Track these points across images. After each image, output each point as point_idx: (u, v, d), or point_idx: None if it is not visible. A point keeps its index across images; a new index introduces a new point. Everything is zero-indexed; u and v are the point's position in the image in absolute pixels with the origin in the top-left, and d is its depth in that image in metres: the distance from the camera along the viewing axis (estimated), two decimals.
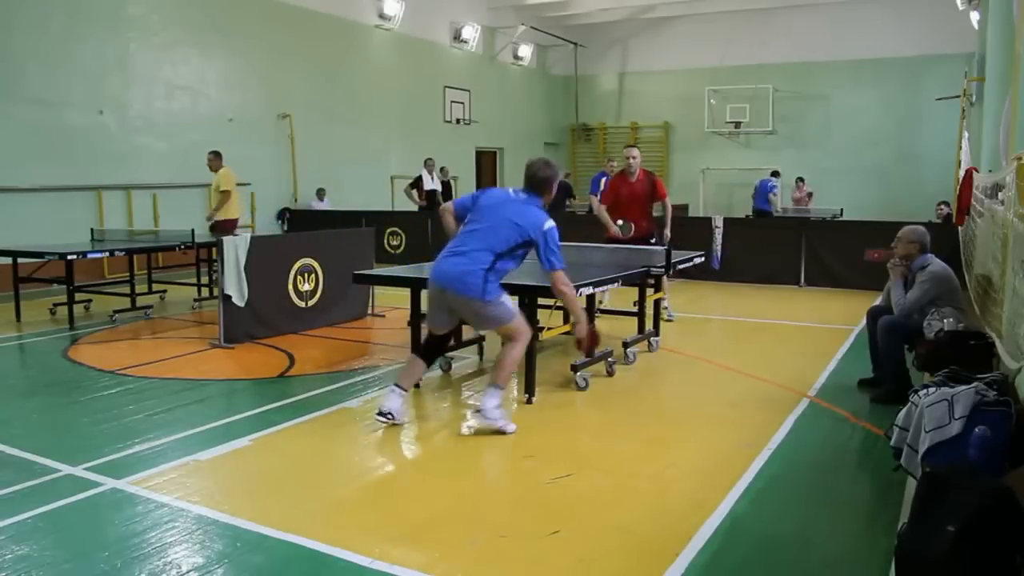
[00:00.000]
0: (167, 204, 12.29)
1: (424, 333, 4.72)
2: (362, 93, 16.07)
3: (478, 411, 4.51)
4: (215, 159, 9.74)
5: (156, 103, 12.29)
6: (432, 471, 4.10)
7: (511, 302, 4.57)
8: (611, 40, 22.60)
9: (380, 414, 4.55)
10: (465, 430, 4.71)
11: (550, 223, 4.46)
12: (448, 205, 4.78)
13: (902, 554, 2.62)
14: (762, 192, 16.20)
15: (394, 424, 4.57)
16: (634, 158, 8.11)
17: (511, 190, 4.66)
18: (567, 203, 16.62)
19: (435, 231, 12.98)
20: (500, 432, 4.44)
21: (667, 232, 8.18)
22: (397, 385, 4.62)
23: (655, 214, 8.23)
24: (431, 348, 4.81)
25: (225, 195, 9.47)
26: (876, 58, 19.37)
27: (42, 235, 9.74)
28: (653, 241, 8.02)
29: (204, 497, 3.61)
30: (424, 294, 5.65)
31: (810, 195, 17.90)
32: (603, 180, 12.26)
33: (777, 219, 15.10)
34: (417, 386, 5.54)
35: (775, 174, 16.78)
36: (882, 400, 5.00)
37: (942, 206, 14.55)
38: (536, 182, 4.57)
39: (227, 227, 9.49)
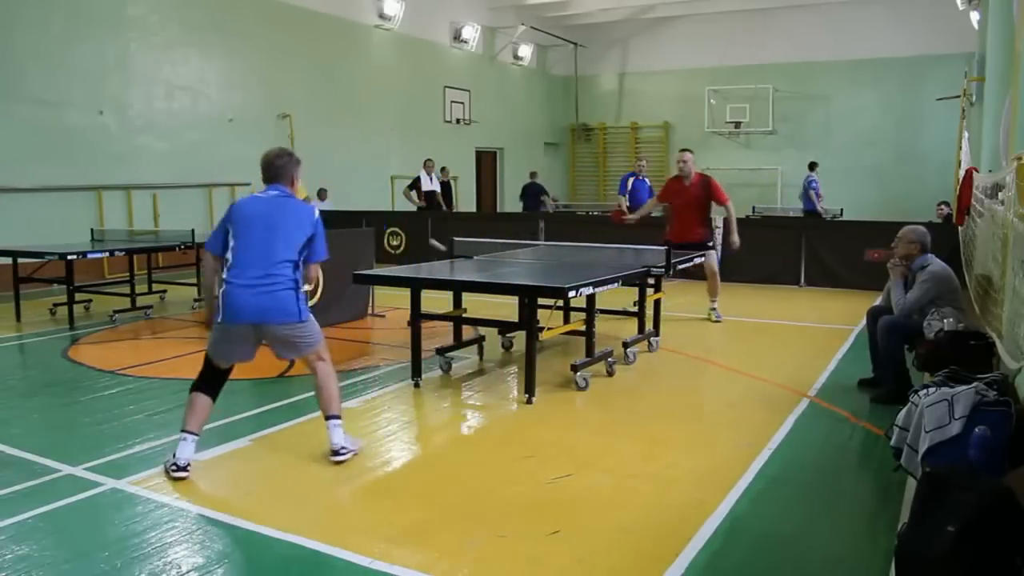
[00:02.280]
0: (167, 204, 12.29)
1: (214, 366, 4.06)
2: (362, 93, 16.07)
3: (335, 453, 4.03)
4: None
5: (156, 103, 12.29)
6: (432, 471, 4.10)
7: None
8: (611, 40, 22.60)
9: (178, 469, 3.83)
10: (465, 430, 4.71)
11: (316, 210, 4.19)
12: (207, 255, 4.08)
13: (902, 554, 2.62)
14: (805, 190, 15.61)
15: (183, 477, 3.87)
16: (685, 162, 7.94)
17: (257, 196, 4.12)
18: (543, 202, 16.78)
19: (435, 231, 12.98)
20: (354, 453, 4.11)
21: (734, 238, 8.04)
22: (187, 431, 3.93)
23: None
24: (217, 381, 4.10)
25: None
26: (876, 58, 19.37)
27: (42, 235, 9.74)
28: (711, 245, 7.97)
29: (204, 497, 3.61)
30: (424, 294, 5.68)
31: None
32: (631, 180, 12.29)
33: (777, 219, 15.08)
34: (417, 385, 5.55)
35: (812, 166, 16.01)
36: (882, 400, 5.00)
37: (942, 206, 14.55)
38: (274, 171, 4.10)
39: None
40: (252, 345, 4.03)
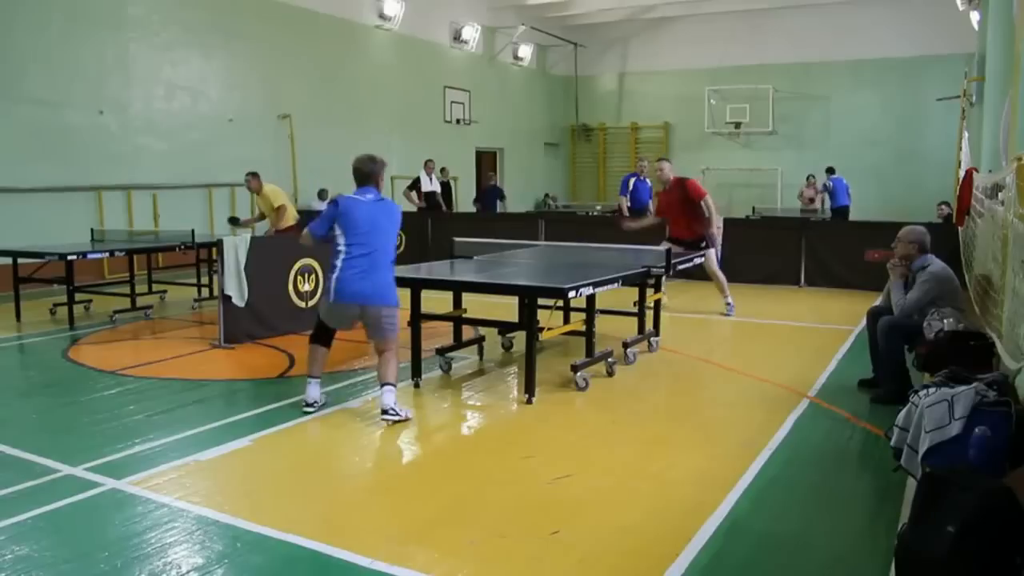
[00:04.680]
0: (167, 204, 12.29)
1: (325, 326, 4.97)
2: (362, 93, 16.06)
3: (384, 412, 4.69)
4: (254, 179, 9.67)
5: (156, 103, 12.29)
6: (432, 471, 4.10)
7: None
8: (611, 40, 22.59)
9: (307, 405, 4.90)
10: (465, 430, 4.71)
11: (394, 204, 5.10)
12: (309, 234, 4.94)
13: (902, 554, 2.62)
14: (840, 189, 16.19)
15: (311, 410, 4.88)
16: (661, 170, 8.55)
17: (358, 200, 4.89)
18: (501, 204, 16.98)
19: (434, 232, 12.99)
20: (399, 418, 4.69)
21: (711, 231, 8.38)
22: (311, 376, 4.94)
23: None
24: (328, 336, 5.02)
25: (282, 209, 9.55)
26: (876, 58, 19.37)
27: (42, 235, 9.74)
28: (704, 246, 8.24)
29: (204, 497, 3.61)
30: (424, 294, 5.68)
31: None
32: (632, 181, 12.36)
33: (777, 219, 15.10)
34: (417, 386, 5.55)
35: (832, 171, 16.67)
36: (882, 400, 5.00)
37: (943, 206, 14.55)
38: (363, 176, 4.98)
39: (292, 232, 9.57)
40: (353, 321, 4.88)
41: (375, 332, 4.85)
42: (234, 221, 10.48)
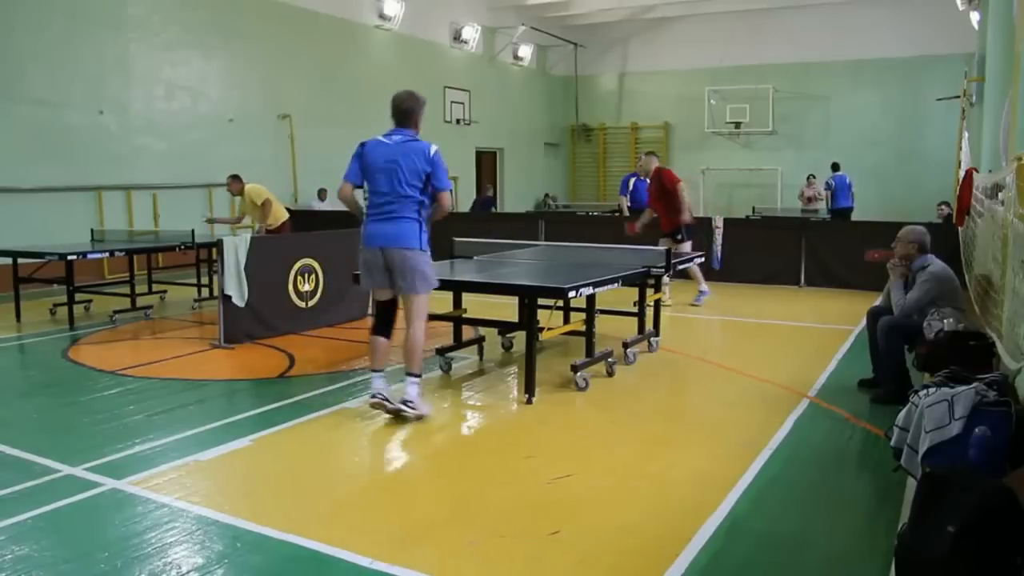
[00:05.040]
0: (167, 204, 12.29)
1: (378, 303, 4.92)
2: (362, 93, 16.05)
3: (403, 402, 4.66)
4: (234, 182, 9.63)
5: (156, 103, 12.29)
6: (432, 471, 4.10)
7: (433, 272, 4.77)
8: (611, 40, 22.60)
9: (373, 397, 4.70)
10: (465, 430, 4.71)
11: (434, 146, 4.68)
12: (346, 184, 4.77)
13: (902, 554, 2.62)
14: (842, 188, 16.10)
15: (385, 405, 4.69)
16: (640, 162, 9.12)
17: (380, 140, 4.76)
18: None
19: (435, 232, 12.95)
20: (418, 414, 4.67)
21: (682, 217, 8.61)
22: (374, 370, 4.81)
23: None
24: (386, 319, 4.87)
25: (267, 204, 9.44)
26: (876, 58, 19.37)
27: (42, 235, 9.74)
28: (679, 238, 8.59)
29: (204, 497, 3.61)
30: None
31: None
32: (632, 180, 12.56)
33: (777, 219, 15.10)
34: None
35: (836, 166, 16.64)
36: (882, 400, 5.00)
37: (943, 206, 14.55)
38: (401, 114, 4.75)
39: (283, 231, 9.61)
40: (383, 273, 4.67)
41: (401, 282, 4.63)
42: (210, 221, 10.72)
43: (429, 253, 4.75)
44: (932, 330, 4.77)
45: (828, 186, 16.53)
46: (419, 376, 4.73)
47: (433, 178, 4.64)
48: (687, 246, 8.57)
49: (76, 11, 11.08)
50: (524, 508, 3.52)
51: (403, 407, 4.65)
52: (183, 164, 12.52)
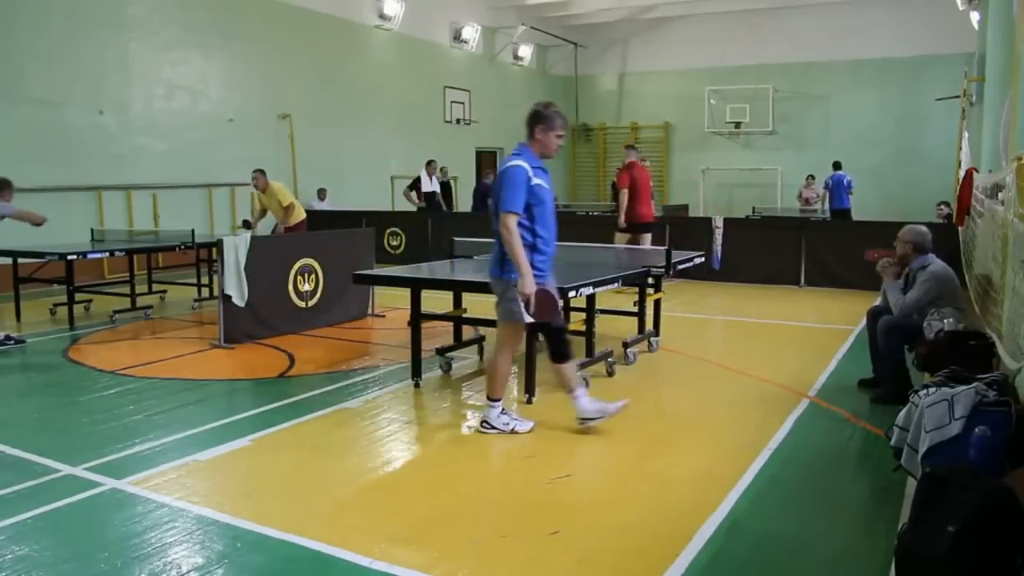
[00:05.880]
0: (167, 204, 12.29)
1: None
2: (362, 93, 16.06)
3: (481, 423, 4.56)
4: (261, 177, 10.01)
5: (156, 103, 12.29)
6: (432, 471, 4.10)
7: (520, 303, 4.23)
8: (611, 40, 22.60)
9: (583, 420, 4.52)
10: (465, 430, 4.71)
11: (510, 163, 4.21)
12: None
13: (902, 554, 2.62)
14: (838, 188, 15.94)
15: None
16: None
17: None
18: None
19: (435, 232, 12.99)
20: (515, 432, 4.51)
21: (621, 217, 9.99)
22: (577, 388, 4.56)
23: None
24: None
25: (291, 207, 9.99)
26: (876, 58, 19.37)
27: (42, 235, 9.67)
28: (622, 228, 9.91)
29: (204, 497, 3.61)
30: (424, 294, 5.68)
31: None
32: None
33: (777, 219, 15.08)
34: (417, 385, 5.55)
35: (838, 165, 16.55)
36: (882, 400, 5.00)
37: (942, 206, 14.54)
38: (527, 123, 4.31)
39: (300, 229, 10.04)
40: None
41: (498, 309, 4.45)
42: (247, 225, 10.80)
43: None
44: (932, 330, 4.77)
45: (826, 185, 16.50)
46: (497, 400, 4.54)
47: None
48: (647, 239, 9.78)
49: (76, 11, 11.08)
50: (524, 508, 3.52)
51: (482, 426, 4.56)
52: (183, 164, 12.53)
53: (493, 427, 4.51)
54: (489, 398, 4.57)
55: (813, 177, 17.91)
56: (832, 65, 19.97)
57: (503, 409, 4.57)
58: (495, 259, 4.41)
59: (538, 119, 4.28)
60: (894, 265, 5.22)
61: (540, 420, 4.83)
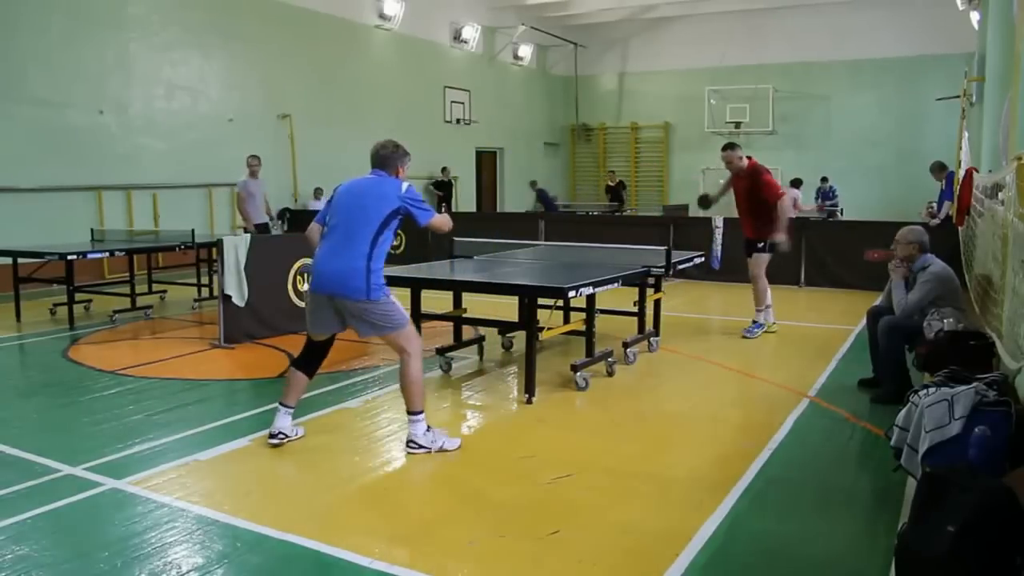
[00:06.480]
0: (167, 204, 12.29)
1: (311, 340, 4.41)
2: (362, 93, 16.06)
3: (410, 443, 4.23)
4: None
5: (156, 103, 12.29)
6: (432, 471, 4.09)
7: (400, 305, 4.25)
8: (611, 40, 22.60)
9: (272, 436, 4.30)
10: (465, 430, 4.71)
11: (406, 184, 4.32)
12: (313, 225, 4.36)
13: (902, 554, 2.62)
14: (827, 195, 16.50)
15: (287, 441, 4.33)
16: (729, 161, 7.52)
17: (356, 178, 4.42)
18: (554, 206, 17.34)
19: (434, 232, 12.96)
20: (443, 451, 4.22)
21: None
22: (283, 404, 4.35)
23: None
24: (313, 357, 4.44)
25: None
26: (876, 58, 19.37)
27: (42, 235, 9.74)
28: (761, 247, 7.58)
29: (204, 497, 3.61)
30: (424, 294, 5.68)
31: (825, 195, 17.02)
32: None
33: None
34: None
35: (824, 180, 17.09)
36: (882, 400, 5.00)
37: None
38: (379, 160, 4.36)
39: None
40: (334, 320, 4.25)
41: (365, 329, 4.19)
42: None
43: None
44: (932, 330, 4.78)
45: (817, 197, 16.81)
46: (417, 413, 4.25)
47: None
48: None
49: (77, 12, 11.08)
50: (524, 508, 3.52)
51: (407, 448, 4.24)
52: (183, 164, 12.53)
53: (421, 446, 4.20)
54: (410, 412, 4.24)
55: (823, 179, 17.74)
56: (832, 65, 19.96)
57: (428, 426, 4.28)
58: (360, 270, 4.11)
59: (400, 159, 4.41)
60: (903, 266, 5.23)
61: (540, 420, 4.83)
